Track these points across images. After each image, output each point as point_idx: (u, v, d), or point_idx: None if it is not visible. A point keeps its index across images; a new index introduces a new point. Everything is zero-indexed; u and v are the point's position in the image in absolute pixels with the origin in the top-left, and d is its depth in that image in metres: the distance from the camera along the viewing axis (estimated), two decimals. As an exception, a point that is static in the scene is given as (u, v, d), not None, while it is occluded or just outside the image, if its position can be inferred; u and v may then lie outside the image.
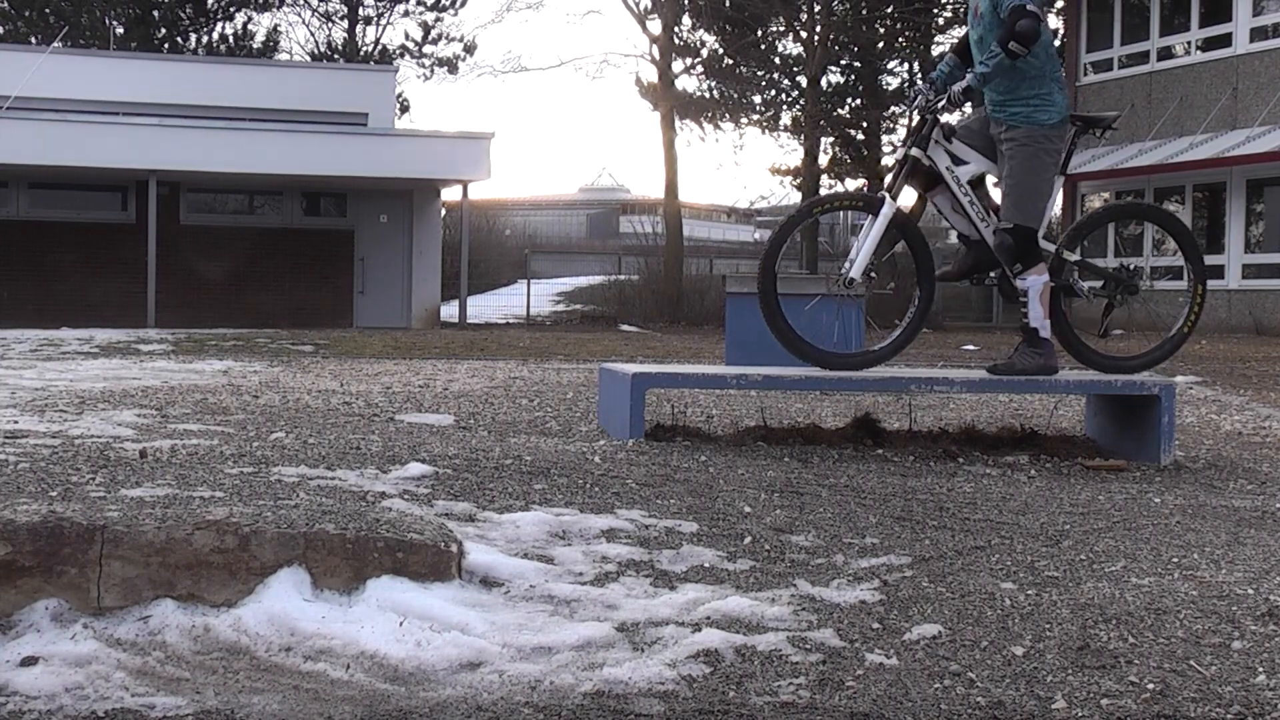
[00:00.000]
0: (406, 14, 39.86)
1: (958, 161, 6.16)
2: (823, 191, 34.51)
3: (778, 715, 2.70)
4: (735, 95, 33.63)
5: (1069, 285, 6.34)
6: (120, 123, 23.46)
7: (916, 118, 6.18)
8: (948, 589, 3.57)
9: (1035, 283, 6.13)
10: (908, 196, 6.28)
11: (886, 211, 6.03)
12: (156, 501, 3.80)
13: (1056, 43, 32.22)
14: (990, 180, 6.32)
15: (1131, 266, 6.42)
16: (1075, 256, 6.33)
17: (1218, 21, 25.32)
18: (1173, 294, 6.55)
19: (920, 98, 6.13)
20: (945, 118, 6.19)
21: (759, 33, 32.60)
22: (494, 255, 35.74)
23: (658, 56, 32.00)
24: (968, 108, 7.18)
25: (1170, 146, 25.26)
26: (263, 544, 3.28)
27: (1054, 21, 32.87)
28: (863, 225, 6.21)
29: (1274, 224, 24.37)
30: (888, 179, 6.13)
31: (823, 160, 33.89)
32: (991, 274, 6.32)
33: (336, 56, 39.18)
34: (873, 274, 6.09)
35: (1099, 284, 6.44)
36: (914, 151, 6.08)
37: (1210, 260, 25.19)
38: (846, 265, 6.05)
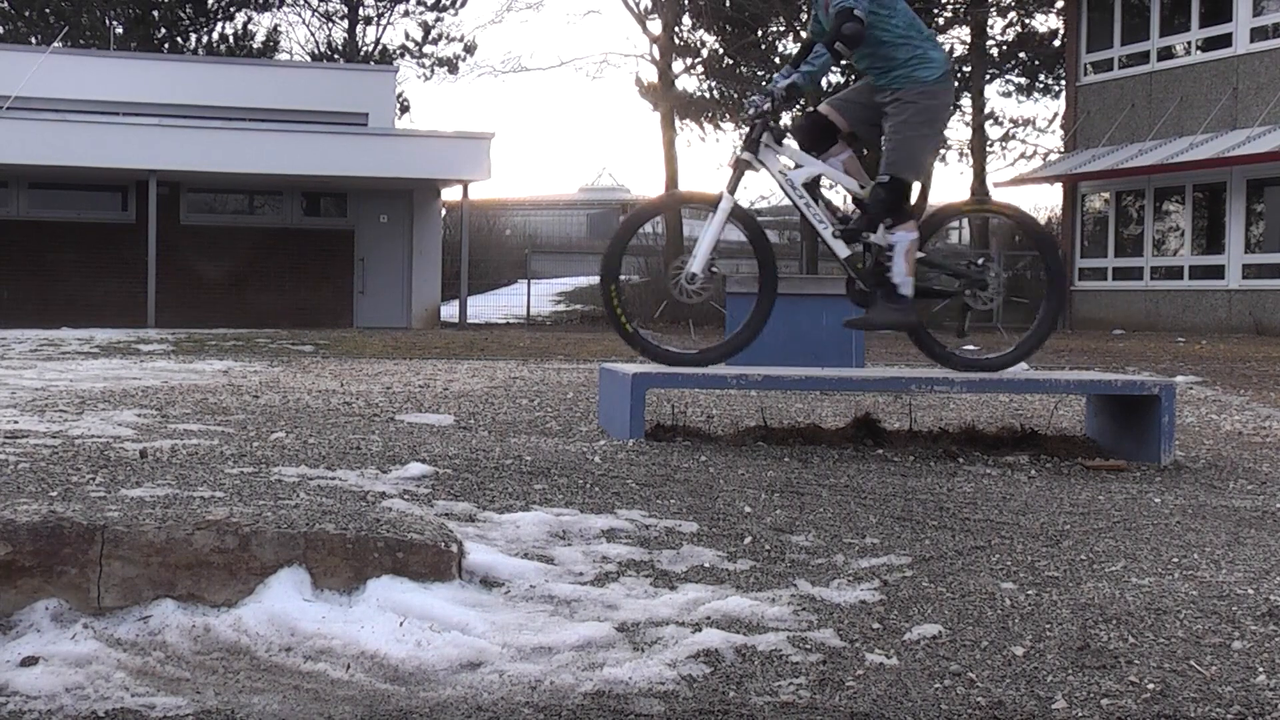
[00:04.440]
0: (406, 14, 39.90)
1: (792, 165, 6.17)
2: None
3: (778, 715, 2.70)
4: (735, 95, 33.61)
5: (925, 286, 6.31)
6: (120, 123, 23.47)
7: (751, 121, 6.19)
8: (948, 589, 3.57)
9: (903, 238, 6.10)
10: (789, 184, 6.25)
11: (724, 207, 6.09)
12: (156, 501, 3.80)
13: (1056, 43, 32.29)
14: (825, 182, 6.31)
15: (980, 262, 6.35)
16: (920, 254, 6.26)
17: (1218, 21, 25.32)
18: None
19: (751, 107, 6.18)
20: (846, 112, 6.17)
21: (759, 33, 32.59)
22: (494, 255, 35.75)
23: (658, 56, 32.01)
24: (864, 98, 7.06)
25: (1170, 146, 25.26)
26: (263, 544, 3.28)
27: (1054, 21, 32.90)
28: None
29: (1274, 224, 24.37)
30: (730, 178, 6.18)
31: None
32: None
33: (336, 56, 39.18)
34: (713, 269, 6.18)
35: (953, 283, 6.37)
36: (744, 156, 6.12)
37: (1210, 260, 25.24)
38: (688, 261, 6.11)
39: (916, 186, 6.21)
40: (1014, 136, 34.41)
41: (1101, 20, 27.90)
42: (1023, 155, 34.03)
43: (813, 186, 6.22)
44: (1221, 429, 7.53)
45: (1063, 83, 31.18)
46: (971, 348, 7.36)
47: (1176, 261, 26.26)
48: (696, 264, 6.11)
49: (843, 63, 6.12)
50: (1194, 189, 25.78)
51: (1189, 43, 26.13)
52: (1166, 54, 26.55)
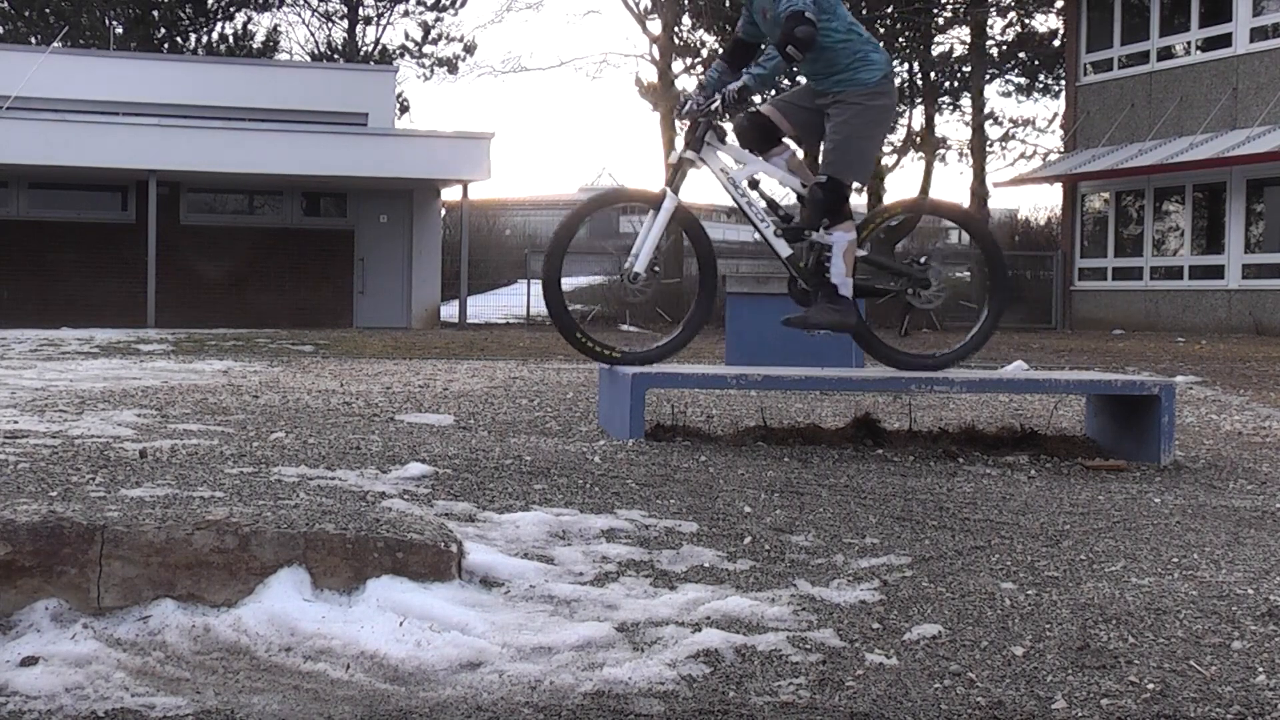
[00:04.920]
0: (406, 14, 39.89)
1: (734, 163, 6.16)
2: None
3: (778, 715, 2.70)
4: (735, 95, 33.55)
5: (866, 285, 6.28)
6: (120, 123, 23.47)
7: (688, 123, 6.14)
8: (948, 589, 3.57)
9: (841, 239, 6.07)
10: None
11: (667, 206, 6.05)
12: (156, 501, 3.80)
13: (1056, 43, 32.28)
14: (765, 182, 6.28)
15: (923, 260, 6.32)
16: (863, 252, 6.25)
17: (1218, 21, 25.32)
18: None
19: (690, 104, 6.14)
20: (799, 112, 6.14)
21: (759, 33, 32.50)
22: (494, 255, 35.75)
23: (657, 56, 32.00)
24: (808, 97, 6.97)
25: (1170, 146, 25.26)
26: (263, 544, 3.28)
27: (1054, 21, 32.91)
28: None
29: (1274, 224, 24.37)
30: (667, 176, 6.15)
31: (822, 160, 33.81)
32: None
33: (336, 56, 39.18)
34: (655, 268, 6.16)
35: (893, 282, 6.33)
36: (687, 154, 6.09)
37: (1210, 260, 25.25)
38: (630, 260, 6.08)
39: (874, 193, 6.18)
40: (1014, 136, 34.46)
41: (1101, 20, 27.90)
42: (1022, 155, 34.08)
43: (755, 185, 6.20)
44: (1221, 429, 7.53)
45: (1062, 83, 31.19)
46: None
47: (1176, 261, 26.26)
48: (639, 263, 6.06)
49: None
50: (1194, 189, 25.78)
51: (1189, 43, 26.13)
52: (1166, 54, 26.55)
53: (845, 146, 6.05)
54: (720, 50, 33.10)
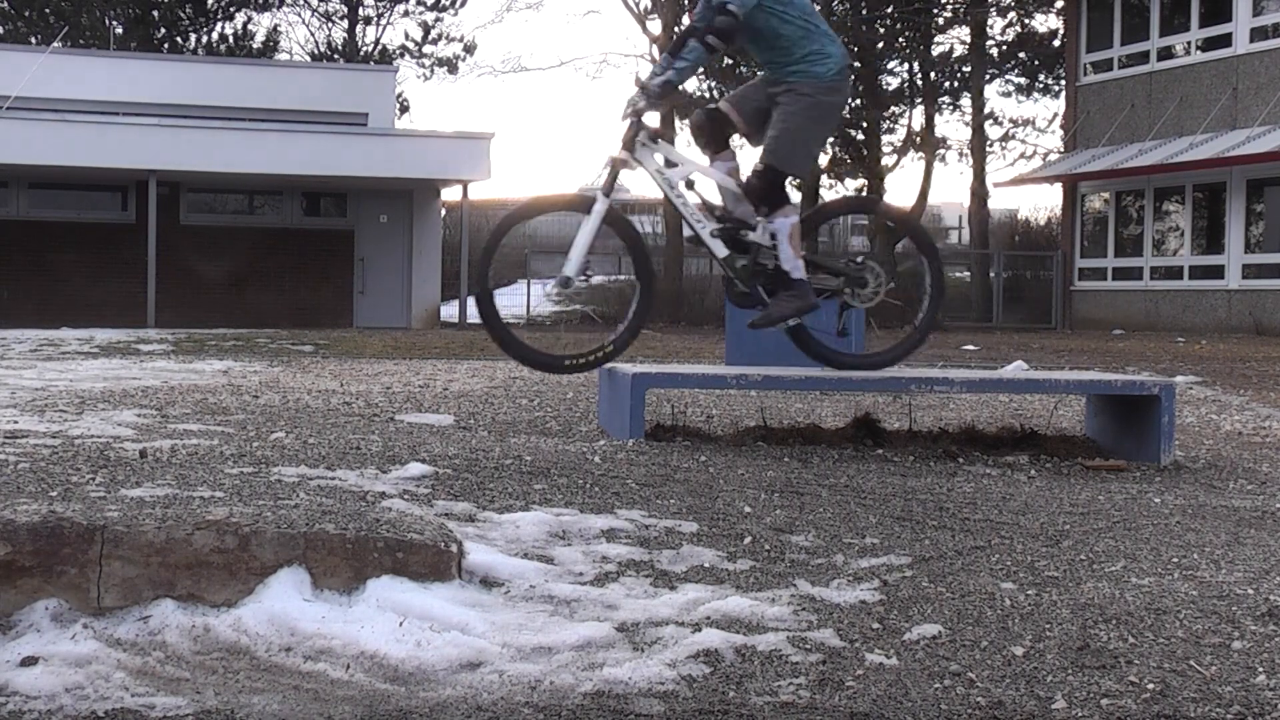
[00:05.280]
0: (406, 14, 39.92)
1: (669, 164, 6.06)
2: (830, 194, 34.50)
3: (778, 715, 2.70)
4: (735, 95, 33.56)
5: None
6: (120, 123, 23.47)
7: (627, 119, 6.01)
8: (948, 589, 3.57)
9: (783, 224, 5.99)
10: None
11: (598, 209, 5.93)
12: (156, 501, 3.80)
13: (1056, 43, 32.29)
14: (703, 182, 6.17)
15: (860, 260, 6.26)
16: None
17: (1218, 21, 25.32)
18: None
19: (630, 105, 6.01)
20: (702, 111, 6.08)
21: (759, 33, 32.53)
22: (494, 255, 35.64)
23: (657, 56, 31.97)
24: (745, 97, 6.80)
25: (1170, 146, 25.26)
26: (263, 544, 3.28)
27: (1054, 21, 32.91)
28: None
29: (1274, 224, 24.37)
30: (600, 179, 6.02)
31: (822, 160, 33.87)
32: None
33: (336, 56, 39.18)
34: (587, 272, 6.07)
35: (833, 280, 6.25)
36: (620, 155, 5.98)
37: (1210, 260, 25.25)
38: (565, 265, 5.97)
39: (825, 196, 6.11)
40: (1014, 136, 34.45)
41: (1101, 20, 27.90)
42: (1022, 155, 34.07)
43: (691, 186, 6.10)
44: (1221, 429, 7.53)
45: (1062, 83, 31.19)
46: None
47: (1176, 261, 26.27)
48: (571, 268, 5.96)
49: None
50: (1194, 189, 25.79)
51: (1189, 43, 26.13)
52: (1166, 54, 26.55)
53: (788, 136, 5.97)
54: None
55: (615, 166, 5.99)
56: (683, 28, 6.32)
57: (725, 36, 5.83)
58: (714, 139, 6.15)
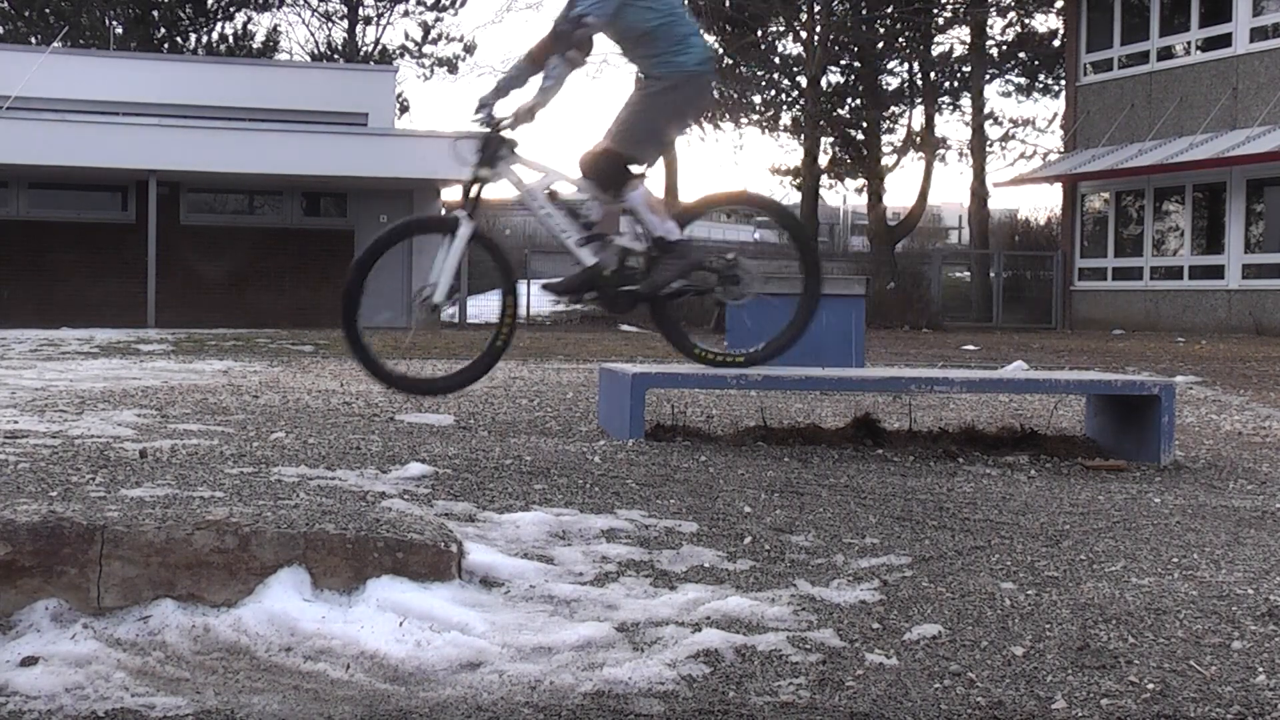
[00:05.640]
0: (406, 14, 39.98)
1: (531, 175, 5.97)
2: (828, 194, 34.51)
3: (778, 715, 2.70)
4: (735, 95, 33.62)
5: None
6: (120, 123, 23.46)
7: (485, 132, 5.88)
8: (948, 589, 3.57)
9: (636, 196, 5.89)
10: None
11: (463, 233, 5.83)
12: (156, 501, 3.80)
13: (1056, 43, 32.29)
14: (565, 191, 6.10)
15: (731, 257, 6.16)
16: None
17: (1218, 21, 25.33)
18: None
19: (484, 110, 5.89)
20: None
21: (759, 33, 32.61)
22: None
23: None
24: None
25: (1170, 146, 25.26)
26: (263, 544, 3.28)
27: (1054, 21, 32.91)
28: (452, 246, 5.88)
29: (1274, 224, 24.37)
30: (463, 198, 5.91)
31: (822, 160, 33.90)
32: (588, 294, 6.07)
33: (336, 56, 39.18)
34: (455, 294, 5.93)
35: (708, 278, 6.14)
36: (483, 171, 5.85)
37: (1210, 260, 25.25)
38: (429, 288, 5.84)
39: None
40: (1014, 136, 34.48)
41: (1101, 20, 27.91)
42: (1022, 155, 34.10)
43: (553, 197, 6.00)
44: (1221, 429, 7.53)
45: (1062, 83, 31.20)
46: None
47: (1176, 261, 26.27)
48: (438, 293, 5.82)
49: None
50: (1194, 189, 25.79)
51: (1189, 43, 26.13)
52: (1166, 54, 26.55)
53: (635, 121, 5.89)
54: (720, 50, 33.12)
55: (479, 184, 5.87)
56: (544, 37, 6.17)
57: (584, 47, 5.82)
58: (612, 179, 5.96)
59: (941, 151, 34.90)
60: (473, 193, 5.89)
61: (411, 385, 6.17)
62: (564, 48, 5.83)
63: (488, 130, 5.86)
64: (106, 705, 2.66)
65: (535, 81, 5.95)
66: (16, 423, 6.10)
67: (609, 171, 5.92)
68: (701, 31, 6.18)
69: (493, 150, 5.86)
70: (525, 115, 5.83)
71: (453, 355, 14.28)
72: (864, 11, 32.80)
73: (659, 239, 5.91)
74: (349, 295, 5.81)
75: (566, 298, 6.41)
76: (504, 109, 5.92)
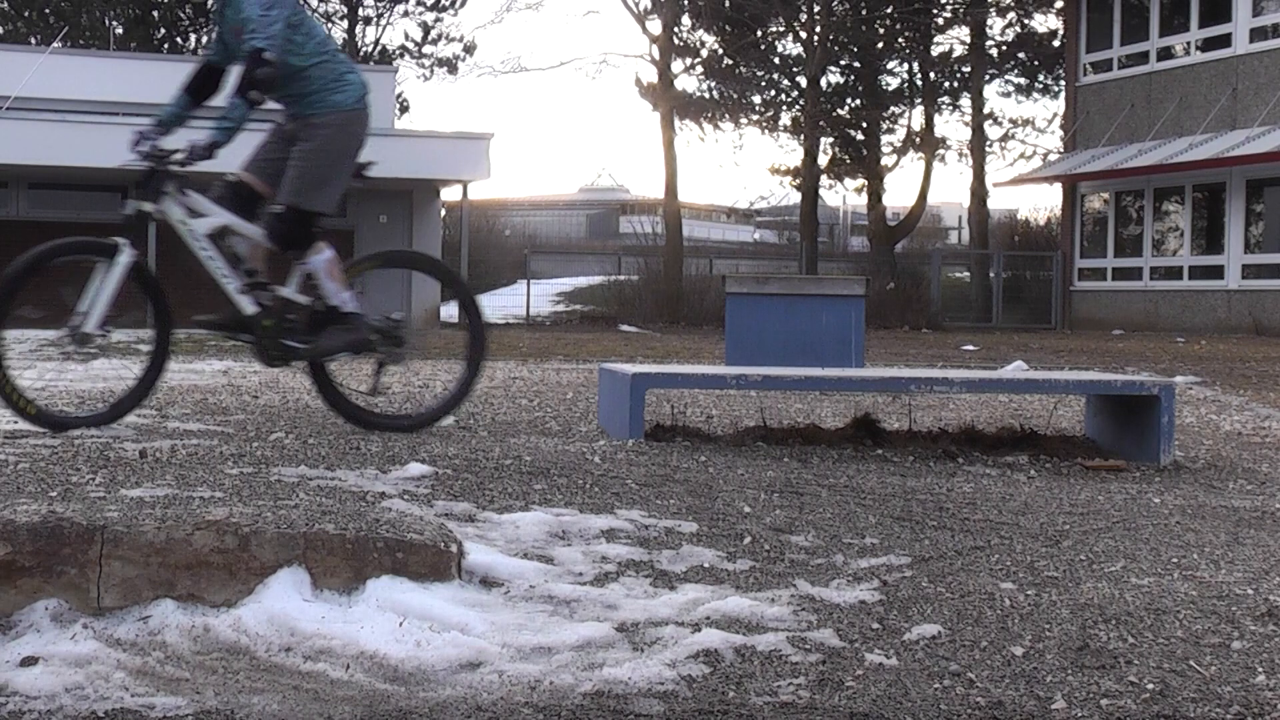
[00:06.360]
0: (406, 14, 39.92)
1: (194, 214, 5.88)
2: (827, 194, 34.52)
3: (778, 715, 2.70)
4: (735, 95, 33.66)
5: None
6: (120, 123, 23.43)
7: (144, 165, 5.78)
8: (948, 589, 3.57)
9: (319, 261, 5.84)
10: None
11: (124, 261, 5.74)
12: (156, 501, 3.80)
13: (1056, 43, 32.29)
14: (236, 231, 5.95)
15: (396, 318, 6.11)
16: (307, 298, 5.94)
17: (1217, 22, 25.33)
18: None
19: (147, 143, 5.72)
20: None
21: (759, 33, 32.61)
22: (494, 255, 35.76)
23: (657, 56, 32.01)
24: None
25: (1170, 146, 25.27)
26: (263, 544, 3.28)
27: (1054, 21, 32.91)
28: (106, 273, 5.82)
29: (1274, 224, 24.38)
30: (126, 227, 5.82)
31: (822, 160, 33.90)
32: (244, 336, 5.95)
33: (336, 56, 39.09)
34: (107, 327, 5.84)
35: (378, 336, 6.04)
36: (146, 206, 5.77)
37: (1210, 261, 25.27)
38: (78, 317, 5.75)
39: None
40: (1013, 136, 34.46)
41: (1101, 20, 27.91)
42: (1022, 155, 34.09)
43: (218, 238, 5.89)
44: (1221, 429, 7.54)
45: (1062, 83, 31.20)
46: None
47: (1176, 262, 26.27)
48: (90, 323, 5.73)
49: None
50: (1193, 189, 25.80)
51: (1188, 43, 26.13)
52: (1166, 54, 26.55)
53: (309, 173, 5.80)
54: (720, 50, 33.15)
55: (141, 219, 5.79)
56: (200, 68, 6.15)
57: (266, 87, 5.72)
58: (243, 207, 5.92)
59: (941, 151, 34.89)
60: (135, 225, 5.79)
61: (53, 421, 5.83)
62: (245, 88, 5.73)
63: (150, 165, 5.74)
64: (106, 705, 2.66)
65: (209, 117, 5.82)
66: (16, 423, 6.10)
67: (294, 233, 5.82)
68: (356, 67, 6.10)
69: (156, 185, 5.78)
70: (202, 152, 5.71)
71: (451, 355, 14.28)
72: (864, 11, 32.80)
73: (333, 308, 5.85)
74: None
75: (221, 333, 6.26)
76: (173, 143, 5.79)
